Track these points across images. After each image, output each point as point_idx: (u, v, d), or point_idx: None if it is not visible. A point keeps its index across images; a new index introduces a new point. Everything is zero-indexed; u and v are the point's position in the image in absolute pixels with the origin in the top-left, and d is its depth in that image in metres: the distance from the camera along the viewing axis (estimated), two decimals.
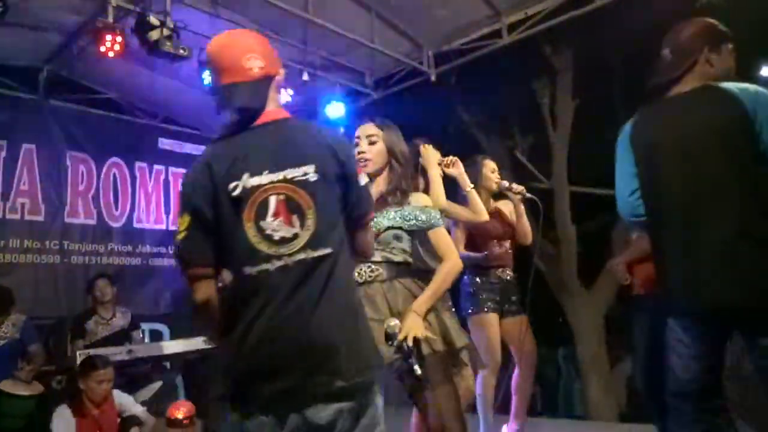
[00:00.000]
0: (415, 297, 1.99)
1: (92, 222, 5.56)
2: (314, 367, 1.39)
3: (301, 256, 1.42)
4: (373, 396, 1.45)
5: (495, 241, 3.24)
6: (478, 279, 3.18)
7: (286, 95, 5.08)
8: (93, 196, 5.58)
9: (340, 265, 1.46)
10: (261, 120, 1.52)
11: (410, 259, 2.11)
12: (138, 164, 5.92)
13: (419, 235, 2.14)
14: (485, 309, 3.11)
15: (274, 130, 1.51)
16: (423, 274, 2.15)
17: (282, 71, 1.60)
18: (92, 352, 3.79)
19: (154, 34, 3.92)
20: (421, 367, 1.86)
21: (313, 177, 1.45)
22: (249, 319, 1.41)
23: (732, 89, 1.76)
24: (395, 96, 5.60)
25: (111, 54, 4.08)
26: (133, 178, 5.86)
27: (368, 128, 2.20)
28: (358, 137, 2.19)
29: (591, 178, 7.08)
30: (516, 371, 3.23)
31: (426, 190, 2.52)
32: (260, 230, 1.42)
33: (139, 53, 4.17)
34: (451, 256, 2.08)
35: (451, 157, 2.89)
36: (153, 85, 5.42)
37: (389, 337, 1.89)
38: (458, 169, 2.87)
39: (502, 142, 8.00)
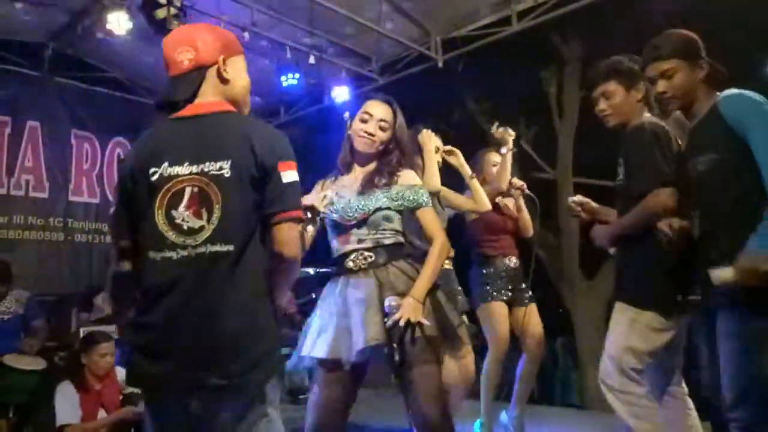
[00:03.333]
0: (411, 278, 1.99)
1: (96, 201, 5.58)
2: (193, 361, 1.40)
3: (202, 249, 1.43)
4: (263, 395, 1.45)
5: (496, 235, 3.27)
6: (484, 270, 3.21)
7: (292, 79, 5.07)
8: (97, 175, 5.60)
9: (244, 263, 1.44)
10: (189, 111, 1.54)
11: (402, 238, 2.08)
12: None
13: (406, 214, 2.10)
14: (492, 298, 3.14)
15: (200, 123, 1.52)
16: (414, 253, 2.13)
17: (226, 58, 1.56)
18: (95, 329, 3.82)
19: (161, 13, 3.90)
20: (411, 347, 1.87)
21: (227, 173, 1.44)
22: (149, 303, 1.46)
23: None
24: (401, 82, 5.57)
25: (117, 32, 4.07)
26: None
27: (382, 111, 2.12)
28: (369, 114, 2.11)
29: (595, 169, 7.05)
30: (522, 359, 3.26)
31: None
32: (170, 219, 1.45)
33: (146, 32, 4.16)
34: (439, 236, 2.05)
35: (449, 147, 2.90)
36: (158, 65, 5.40)
37: (386, 314, 1.90)
38: (458, 159, 2.89)
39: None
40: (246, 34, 4.52)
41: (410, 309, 1.89)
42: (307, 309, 3.88)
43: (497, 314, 3.11)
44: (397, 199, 2.06)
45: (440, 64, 5.31)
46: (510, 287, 3.17)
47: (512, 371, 3.28)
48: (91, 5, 4.41)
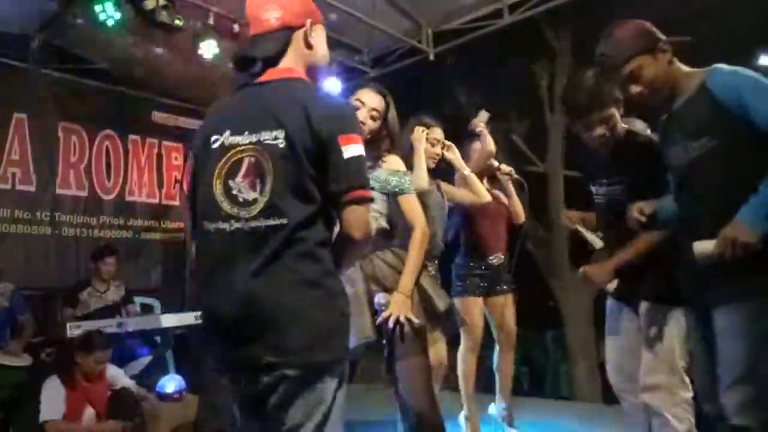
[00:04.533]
0: (397, 270, 2.00)
1: (83, 194, 5.51)
2: (248, 338, 1.37)
3: (255, 223, 1.39)
4: (318, 374, 1.38)
5: (490, 221, 3.27)
6: (471, 262, 3.22)
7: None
8: (85, 168, 5.52)
9: (302, 239, 1.38)
10: (265, 77, 1.50)
11: (385, 225, 2.09)
12: (131, 137, 5.85)
13: (392, 198, 2.12)
14: (470, 293, 3.16)
15: (266, 90, 1.48)
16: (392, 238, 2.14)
17: (312, 24, 1.54)
18: (82, 324, 3.78)
19: (150, 4, 3.85)
20: (401, 341, 1.91)
21: (281, 143, 1.39)
22: (205, 278, 1.46)
23: None
24: (393, 74, 5.54)
25: (106, 23, 4.02)
26: (126, 150, 5.79)
27: (373, 100, 2.14)
28: (361, 102, 2.13)
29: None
30: (496, 350, 3.28)
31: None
32: (227, 189, 1.42)
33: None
34: (419, 222, 2.07)
35: (446, 141, 2.92)
36: (148, 57, 5.33)
37: (375, 312, 1.94)
38: (454, 153, 2.92)
39: (498, 124, 7.95)
40: (236, 26, 4.47)
41: (399, 306, 1.92)
42: None
43: (471, 310, 3.13)
44: (380, 181, 2.07)
45: (432, 57, 5.29)
46: (489, 282, 3.19)
47: (488, 360, 3.31)
48: None
